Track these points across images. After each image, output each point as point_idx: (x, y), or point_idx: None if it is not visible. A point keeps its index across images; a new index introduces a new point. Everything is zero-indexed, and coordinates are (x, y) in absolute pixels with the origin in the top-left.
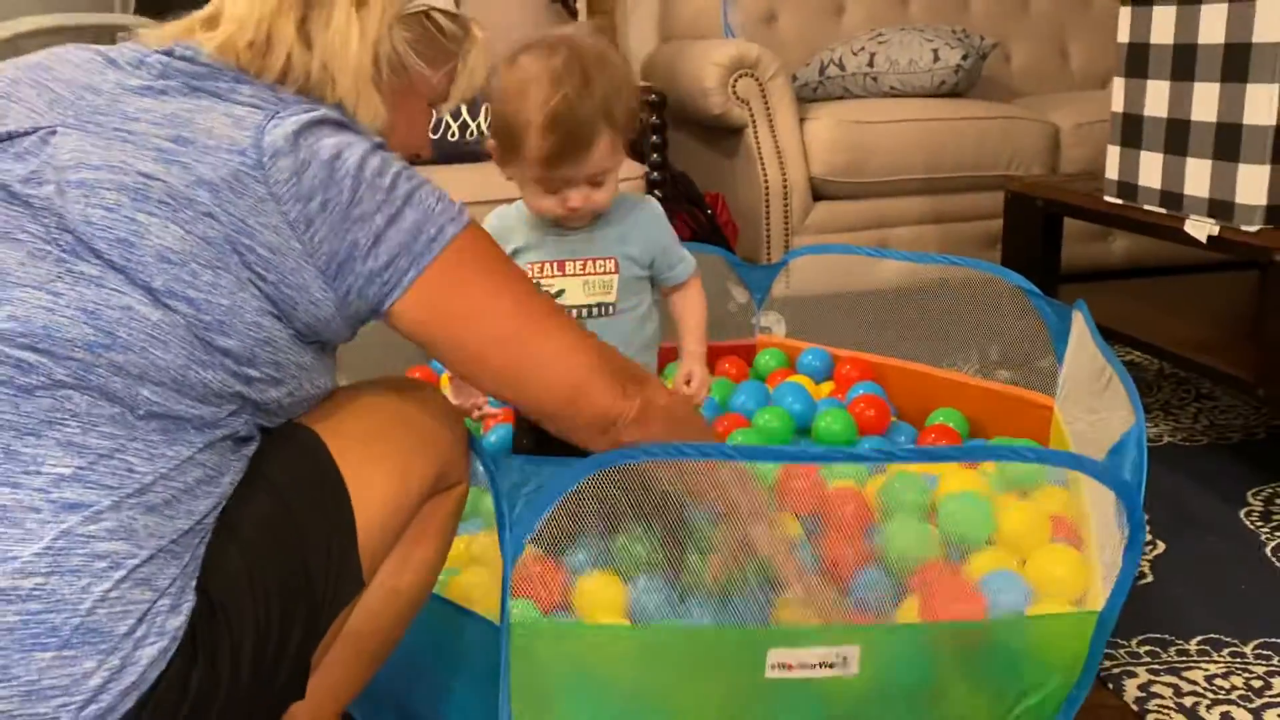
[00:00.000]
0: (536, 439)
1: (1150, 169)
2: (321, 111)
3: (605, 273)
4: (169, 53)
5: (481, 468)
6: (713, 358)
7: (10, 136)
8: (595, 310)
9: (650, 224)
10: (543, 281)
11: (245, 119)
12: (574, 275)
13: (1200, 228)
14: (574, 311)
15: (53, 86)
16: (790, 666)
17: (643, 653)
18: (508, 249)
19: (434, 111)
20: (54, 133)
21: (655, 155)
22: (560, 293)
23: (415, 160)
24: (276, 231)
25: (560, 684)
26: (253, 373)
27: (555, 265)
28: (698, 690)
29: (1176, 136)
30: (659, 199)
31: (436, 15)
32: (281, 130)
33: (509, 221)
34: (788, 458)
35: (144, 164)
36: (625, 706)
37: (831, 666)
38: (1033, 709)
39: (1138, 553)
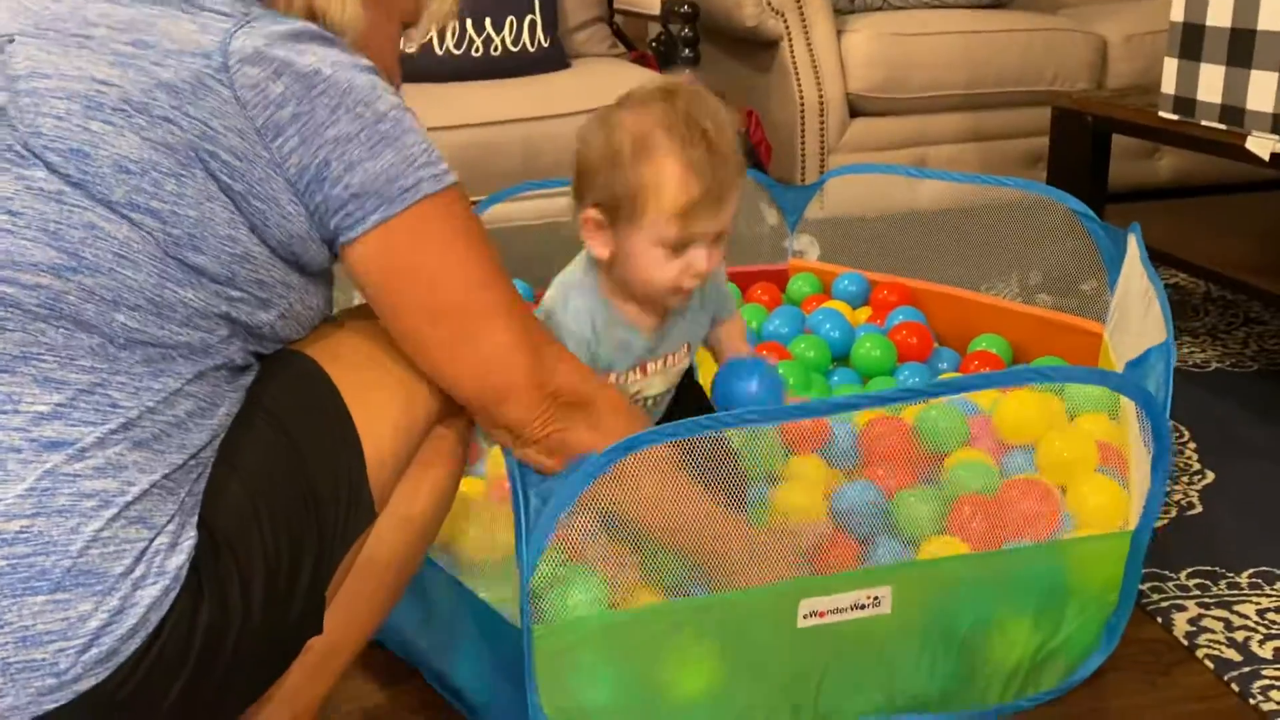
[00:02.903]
0: None
1: (1210, 82)
2: (299, 24)
3: (681, 359)
4: None
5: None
6: (744, 283)
7: None
8: (667, 392)
9: (713, 289)
10: (626, 384)
11: (211, 24)
12: (655, 374)
13: (1263, 145)
14: (649, 401)
15: None
16: (822, 614)
17: (670, 630)
18: (592, 357)
19: (403, 38)
20: (11, 41)
21: (687, 71)
22: (638, 391)
23: None
24: (242, 136)
25: (588, 674)
26: (234, 293)
27: (638, 370)
28: (729, 655)
29: (1240, 47)
30: None
31: None
32: (250, 38)
33: (594, 324)
34: (801, 413)
35: (99, 69)
36: (658, 681)
37: (864, 608)
38: (1073, 636)
39: (1164, 468)
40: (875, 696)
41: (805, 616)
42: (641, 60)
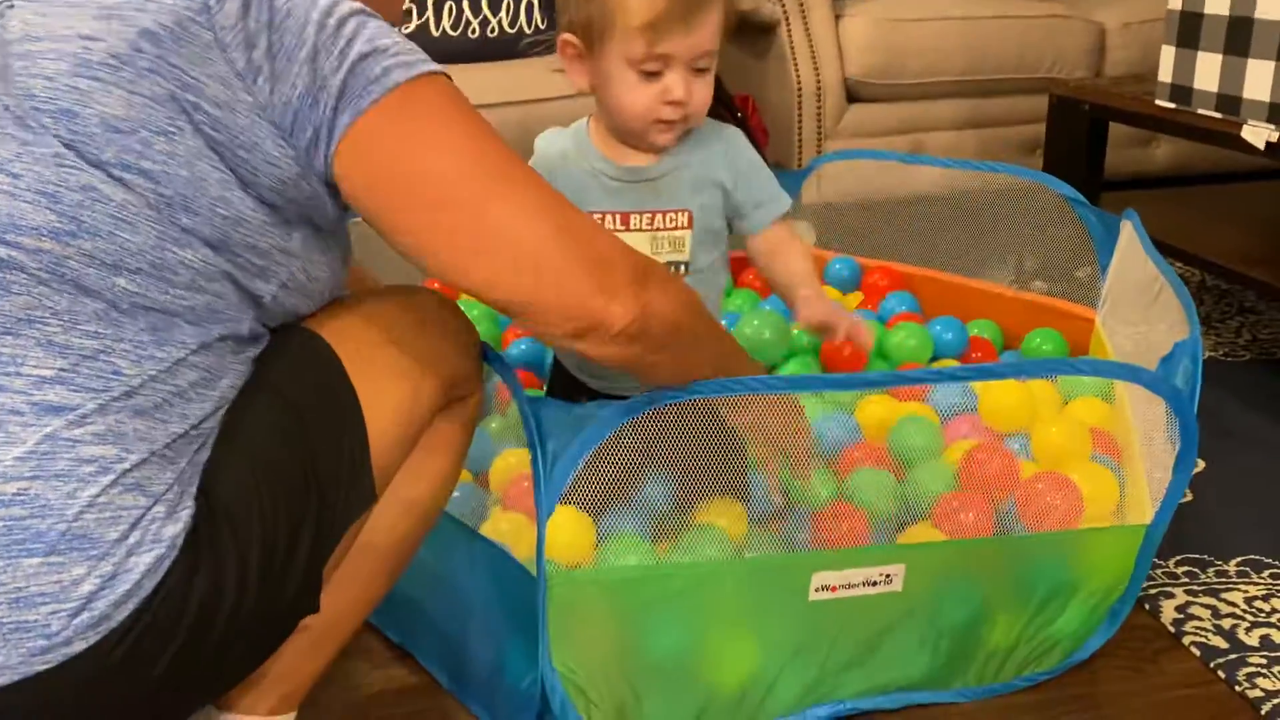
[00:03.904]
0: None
1: (1207, 71)
2: None
3: (677, 228)
4: None
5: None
6: (736, 269)
7: None
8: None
9: (732, 153)
10: None
11: None
12: (640, 230)
13: (1258, 134)
14: None
15: None
16: (834, 589)
17: (684, 591)
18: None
19: None
20: (12, 6)
21: None
22: None
23: None
24: (224, 84)
25: (600, 629)
26: (235, 257)
27: (618, 218)
28: (742, 620)
29: (1238, 36)
30: None
31: None
32: None
33: (563, 151)
34: (840, 385)
35: (84, 25)
36: (666, 643)
37: (875, 585)
38: (1075, 620)
39: (1190, 466)
40: (877, 674)
41: (817, 590)
42: None
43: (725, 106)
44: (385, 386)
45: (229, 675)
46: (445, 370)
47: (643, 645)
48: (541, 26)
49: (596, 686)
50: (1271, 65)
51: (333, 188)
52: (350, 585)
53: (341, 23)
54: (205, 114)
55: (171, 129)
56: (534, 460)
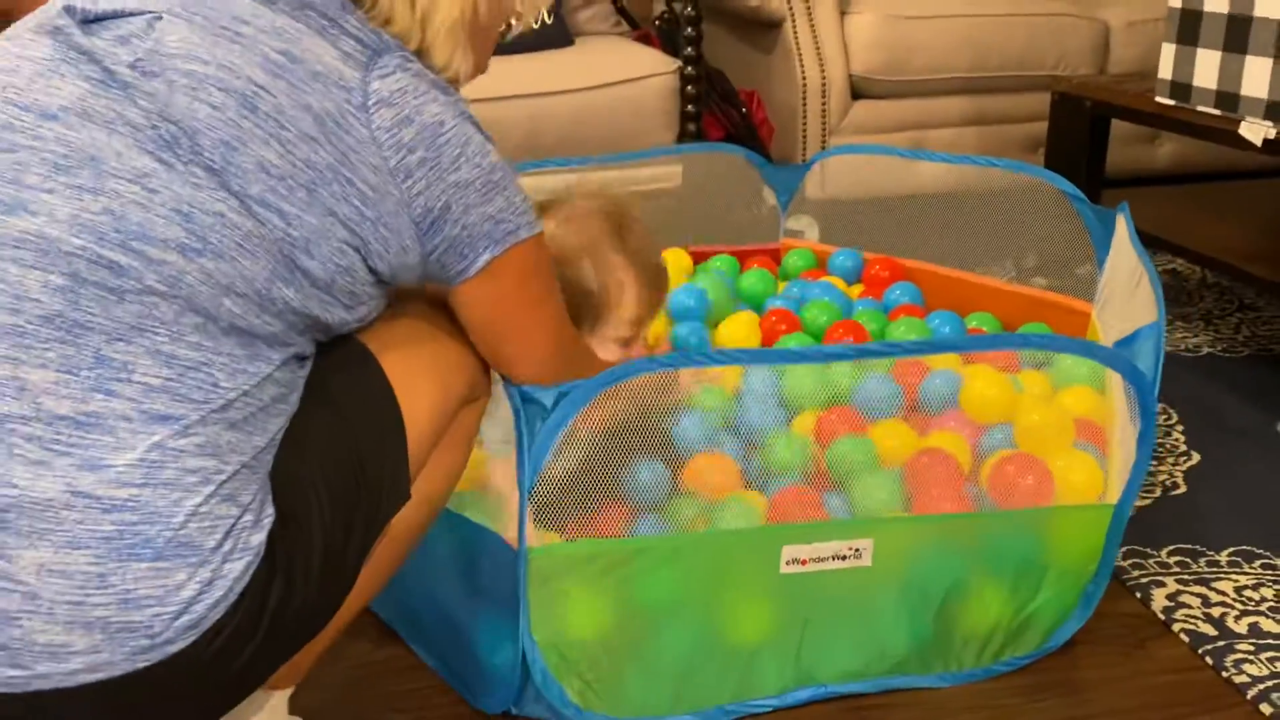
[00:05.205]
0: None
1: (1206, 68)
2: (417, 66)
3: None
4: None
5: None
6: (740, 260)
7: (117, 15)
8: None
9: None
10: None
11: (352, 56)
12: None
13: (1256, 131)
14: None
15: None
16: (804, 562)
17: (659, 563)
18: None
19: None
20: (160, 18)
21: (689, 49)
22: None
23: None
24: (376, 172)
25: (578, 602)
26: (327, 298)
27: None
28: (714, 593)
29: (1237, 33)
30: (691, 96)
31: None
32: (385, 82)
33: None
34: (794, 359)
35: (254, 72)
36: (644, 615)
37: (844, 559)
38: (1050, 602)
39: (1150, 443)
40: (854, 655)
41: (788, 563)
42: (644, 39)
43: (730, 102)
44: (420, 390)
45: (283, 661)
46: (469, 372)
47: (621, 618)
48: (548, 20)
49: (576, 658)
50: (1269, 62)
51: (432, 276)
52: (362, 573)
53: (493, 169)
54: (357, 189)
55: (317, 185)
56: (517, 433)
